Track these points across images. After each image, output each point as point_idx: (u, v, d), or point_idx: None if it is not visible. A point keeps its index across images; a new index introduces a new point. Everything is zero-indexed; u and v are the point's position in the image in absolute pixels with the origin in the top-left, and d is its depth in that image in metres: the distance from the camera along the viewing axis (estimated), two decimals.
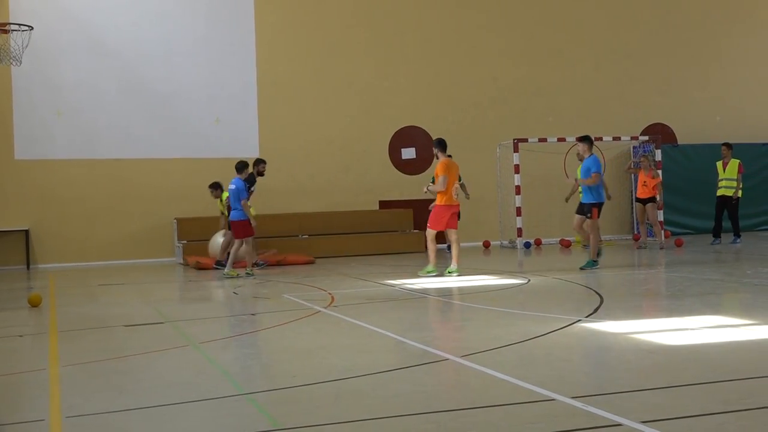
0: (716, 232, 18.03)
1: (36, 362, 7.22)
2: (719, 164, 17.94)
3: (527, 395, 5.38)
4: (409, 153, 20.30)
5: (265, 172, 15.67)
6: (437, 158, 13.22)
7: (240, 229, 14.05)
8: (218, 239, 15.93)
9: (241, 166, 14.34)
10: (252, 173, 15.22)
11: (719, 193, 17.90)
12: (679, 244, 17.66)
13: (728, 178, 17.82)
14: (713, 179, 18.06)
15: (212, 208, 18.71)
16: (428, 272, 12.96)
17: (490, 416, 5.00)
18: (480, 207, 20.51)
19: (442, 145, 13.15)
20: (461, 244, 13.82)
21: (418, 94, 20.36)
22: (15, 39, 15.04)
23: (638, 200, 17.75)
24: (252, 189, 15.14)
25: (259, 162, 15.61)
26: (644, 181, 17.45)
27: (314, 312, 9.55)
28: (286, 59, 19.49)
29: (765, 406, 5.05)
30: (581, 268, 13.14)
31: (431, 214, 13.11)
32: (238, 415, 5.17)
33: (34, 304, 10.70)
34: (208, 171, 18.75)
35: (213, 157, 18.88)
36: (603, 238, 21.08)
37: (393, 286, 12.09)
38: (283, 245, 17.41)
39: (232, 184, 14.25)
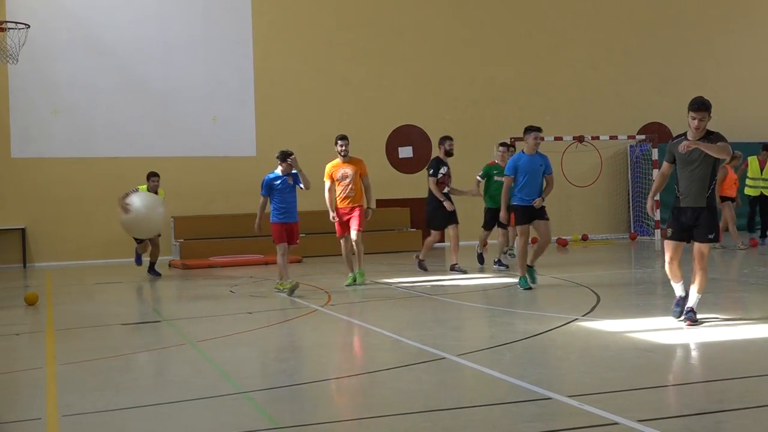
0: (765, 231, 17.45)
1: (33, 361, 7.22)
2: (754, 161, 17.43)
3: (524, 394, 5.39)
4: (406, 152, 20.30)
5: (452, 151, 13.49)
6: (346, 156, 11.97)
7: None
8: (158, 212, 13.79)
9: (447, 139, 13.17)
10: (436, 157, 13.54)
11: (756, 193, 17.22)
12: (754, 245, 16.66)
13: (765, 179, 17.37)
14: None
15: (210, 206, 18.70)
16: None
17: (487, 415, 5.00)
18: (477, 206, 20.49)
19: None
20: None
21: (415, 93, 20.36)
22: (12, 37, 15.01)
23: (728, 199, 16.49)
24: (442, 171, 13.21)
25: (444, 139, 13.46)
26: (735, 179, 16.61)
27: (311, 311, 9.55)
28: (284, 57, 19.48)
29: (763, 404, 5.06)
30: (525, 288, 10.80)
31: (362, 218, 11.87)
32: (236, 414, 5.17)
33: (31, 302, 10.69)
34: (205, 169, 18.75)
35: (210, 155, 18.86)
36: (602, 237, 21.19)
37: (390, 284, 12.09)
38: None
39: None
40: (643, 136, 20.81)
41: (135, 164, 18.42)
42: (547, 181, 11.02)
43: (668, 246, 7.85)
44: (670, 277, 7.97)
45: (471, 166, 20.17)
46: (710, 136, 7.55)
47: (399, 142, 20.26)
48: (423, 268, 13.67)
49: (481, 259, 14.23)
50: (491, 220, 13.76)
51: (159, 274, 14.44)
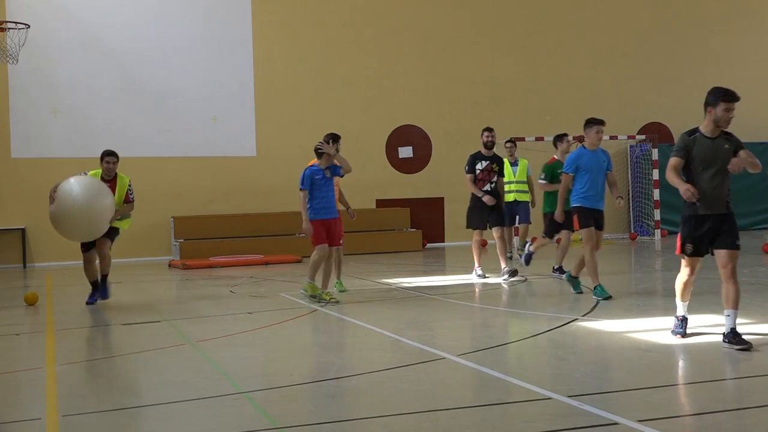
0: None
1: (33, 361, 7.21)
2: None
3: (524, 394, 5.39)
4: (406, 152, 20.30)
5: (491, 143, 12.19)
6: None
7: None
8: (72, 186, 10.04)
9: None
10: (476, 151, 12.28)
11: None
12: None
13: None
14: None
15: (210, 206, 18.69)
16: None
17: (487, 415, 5.00)
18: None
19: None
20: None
21: (415, 93, 20.36)
22: (11, 37, 15.02)
23: None
24: (479, 167, 11.95)
25: (482, 132, 12.40)
26: None
27: (311, 311, 9.55)
28: (284, 58, 19.49)
29: (762, 404, 5.06)
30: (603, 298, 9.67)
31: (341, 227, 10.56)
32: (236, 414, 5.17)
33: (31, 302, 10.68)
34: (204, 170, 18.74)
35: (210, 155, 18.86)
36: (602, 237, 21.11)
37: (390, 284, 12.09)
38: (279, 244, 17.42)
39: None
40: (643, 136, 20.81)
41: (134, 164, 18.41)
42: (610, 179, 9.95)
43: (689, 263, 6.90)
44: (680, 294, 7.09)
45: None
46: (730, 138, 6.86)
47: (399, 142, 20.25)
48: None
49: (528, 259, 12.75)
50: (553, 226, 11.77)
51: (106, 296, 10.82)
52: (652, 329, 7.55)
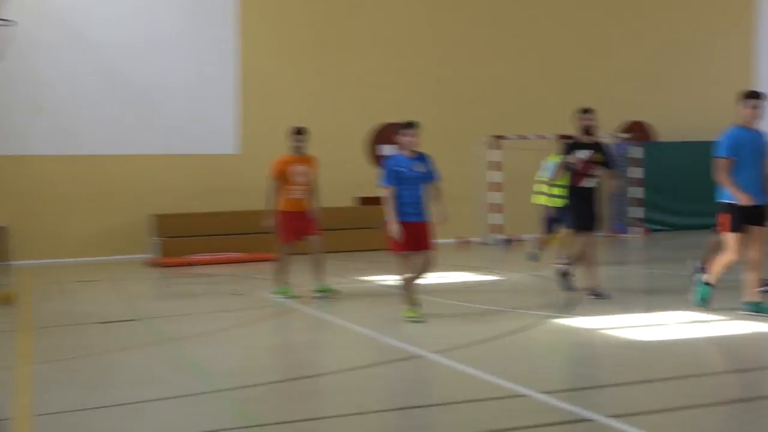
0: None
1: (7, 360, 7.16)
2: None
3: (500, 391, 5.40)
4: (391, 150, 20.29)
5: (593, 128, 9.73)
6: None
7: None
8: None
9: None
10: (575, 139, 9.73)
11: None
12: None
13: None
14: (695, 177, 18.12)
15: (193, 204, 18.62)
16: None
17: (463, 412, 5.01)
18: (460, 203, 20.55)
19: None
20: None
21: (404, 92, 20.26)
22: None
23: None
24: (571, 159, 9.45)
25: (579, 114, 9.74)
26: None
27: (290, 309, 9.53)
28: (270, 54, 19.40)
29: (737, 399, 5.08)
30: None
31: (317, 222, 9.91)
32: (213, 412, 5.16)
33: (9, 301, 10.61)
34: (189, 167, 18.64)
35: (195, 153, 18.75)
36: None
37: (368, 282, 12.08)
38: (261, 242, 17.34)
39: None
40: (627, 135, 20.92)
41: (119, 162, 18.32)
42: (765, 168, 7.94)
43: None
44: None
45: (453, 163, 20.23)
46: None
47: (384, 140, 20.24)
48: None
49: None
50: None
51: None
52: (628, 326, 7.58)
